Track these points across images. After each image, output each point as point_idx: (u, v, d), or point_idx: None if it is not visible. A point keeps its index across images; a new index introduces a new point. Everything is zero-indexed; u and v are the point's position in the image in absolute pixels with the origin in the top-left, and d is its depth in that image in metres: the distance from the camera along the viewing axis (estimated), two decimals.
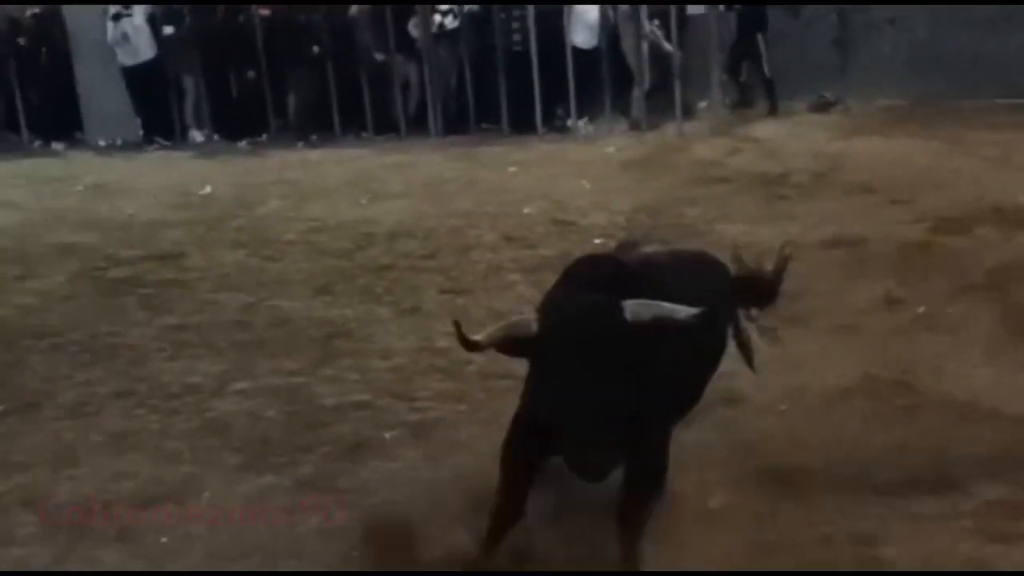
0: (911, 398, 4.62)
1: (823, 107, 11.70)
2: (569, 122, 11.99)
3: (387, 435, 4.71)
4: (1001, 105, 10.71)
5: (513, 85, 11.86)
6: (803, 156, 9.52)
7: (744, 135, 10.67)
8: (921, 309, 5.69)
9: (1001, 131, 9.60)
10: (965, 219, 7.12)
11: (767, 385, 4.59)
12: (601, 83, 11.90)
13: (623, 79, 11.87)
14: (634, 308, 3.20)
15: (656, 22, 11.66)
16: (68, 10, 12.68)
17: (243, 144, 12.26)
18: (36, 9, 12.69)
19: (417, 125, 12.25)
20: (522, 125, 11.85)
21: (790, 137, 10.38)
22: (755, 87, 11.94)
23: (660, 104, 11.62)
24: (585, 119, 12.01)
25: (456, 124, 12.20)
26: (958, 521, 3.79)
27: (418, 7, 12.05)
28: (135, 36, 12.17)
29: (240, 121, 12.48)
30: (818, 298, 6.00)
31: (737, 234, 7.29)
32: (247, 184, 10.01)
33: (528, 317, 3.25)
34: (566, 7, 11.64)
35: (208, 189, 9.84)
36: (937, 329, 5.44)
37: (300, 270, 7.25)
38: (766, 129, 10.87)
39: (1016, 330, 5.36)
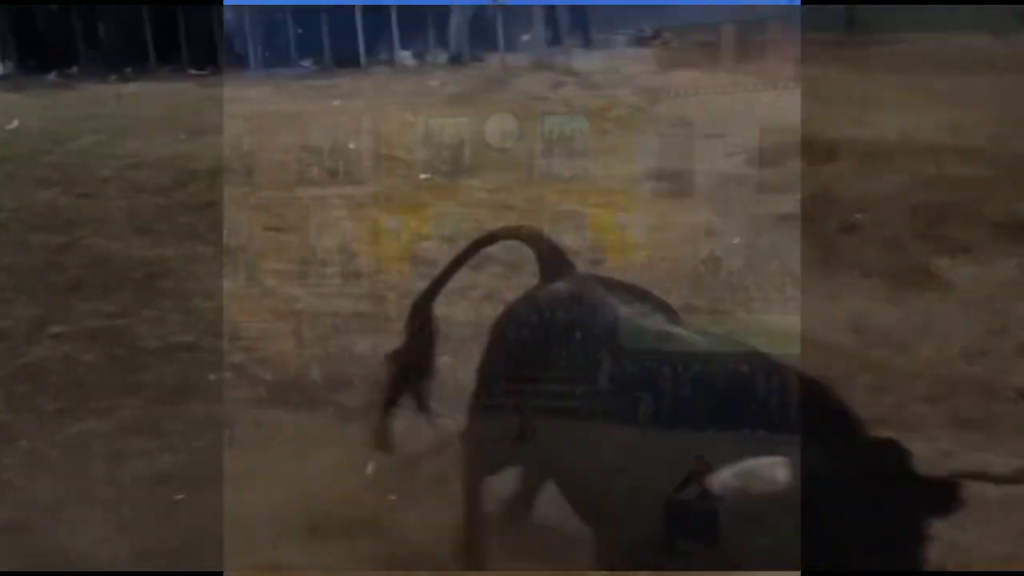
0: (727, 327, 4.80)
1: (643, 40, 11.88)
2: (393, 55, 11.88)
3: (212, 376, 4.65)
4: (811, 39, 11.08)
5: (336, 17, 11.67)
6: (623, 89, 9.68)
7: (565, 68, 10.76)
8: (736, 240, 5.91)
9: (809, 65, 9.95)
10: (776, 151, 7.39)
11: None
12: (423, 14, 11.81)
13: (443, 9, 11.80)
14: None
15: None
16: None
17: (52, 76, 11.72)
18: None
19: (237, 58, 11.95)
20: (345, 58, 11.68)
21: (610, 70, 10.51)
22: (567, 17, 12.01)
23: (481, 36, 11.62)
24: (409, 52, 11.93)
25: (278, 57, 11.94)
26: None
27: None
28: None
29: (47, 51, 11.92)
30: (637, 231, 6.18)
31: (560, 169, 7.42)
32: (58, 118, 9.57)
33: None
34: None
35: (15, 124, 9.38)
36: (751, 258, 5.67)
37: (117, 208, 7.00)
38: (587, 62, 10.99)
39: (824, 259, 5.64)
